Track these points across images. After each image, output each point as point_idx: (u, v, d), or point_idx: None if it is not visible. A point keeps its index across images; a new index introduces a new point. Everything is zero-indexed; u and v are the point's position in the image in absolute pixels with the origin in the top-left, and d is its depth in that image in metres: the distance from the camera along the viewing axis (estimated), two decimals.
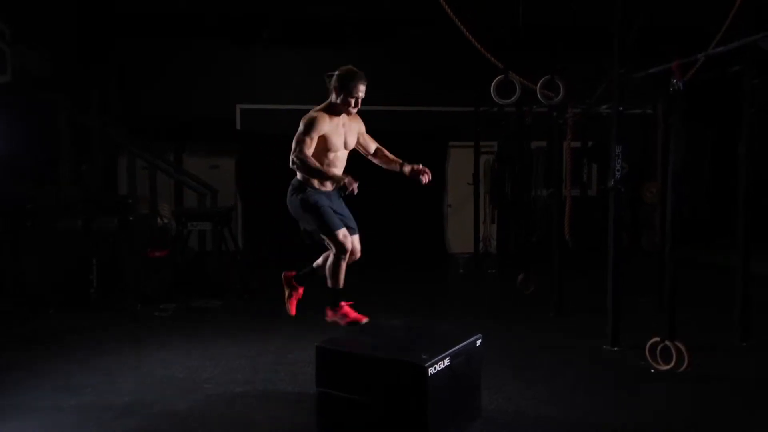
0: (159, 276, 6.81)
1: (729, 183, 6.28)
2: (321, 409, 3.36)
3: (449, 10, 5.75)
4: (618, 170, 4.77)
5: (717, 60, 4.75)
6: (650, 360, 4.33)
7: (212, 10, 9.06)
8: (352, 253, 3.71)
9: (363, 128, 3.75)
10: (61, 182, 7.08)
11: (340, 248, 3.52)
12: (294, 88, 9.92)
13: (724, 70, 5.20)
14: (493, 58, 6.23)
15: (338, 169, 3.62)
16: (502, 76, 6.28)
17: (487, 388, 3.75)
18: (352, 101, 3.49)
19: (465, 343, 3.37)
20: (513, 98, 6.35)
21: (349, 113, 3.57)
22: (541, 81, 6.04)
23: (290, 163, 3.49)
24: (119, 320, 5.82)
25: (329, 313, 3.71)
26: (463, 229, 10.01)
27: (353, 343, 3.44)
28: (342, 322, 3.65)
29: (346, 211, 3.74)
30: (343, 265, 3.60)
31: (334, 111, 3.53)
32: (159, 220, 7.99)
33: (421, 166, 3.66)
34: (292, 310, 3.96)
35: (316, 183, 3.57)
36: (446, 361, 3.15)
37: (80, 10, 8.62)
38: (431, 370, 3.02)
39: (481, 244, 9.13)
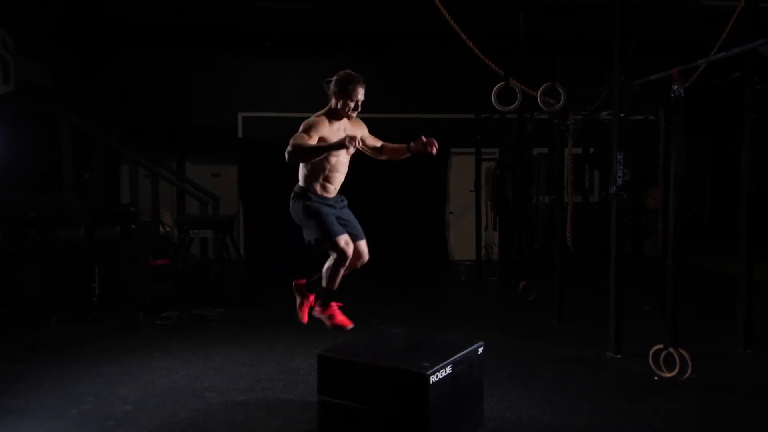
0: (161, 284, 6.81)
1: (731, 188, 6.27)
2: (322, 417, 3.35)
3: (450, 18, 5.77)
4: (620, 176, 4.77)
5: (717, 67, 4.76)
6: (654, 367, 4.31)
7: (213, 21, 9.13)
8: (360, 257, 3.73)
9: (366, 131, 3.70)
10: (63, 191, 7.10)
11: (341, 255, 3.49)
12: (295, 95, 9.96)
13: (725, 77, 5.21)
14: (493, 65, 6.25)
15: (340, 174, 3.61)
16: (503, 83, 6.29)
17: (489, 396, 3.74)
18: (352, 104, 3.47)
19: (467, 350, 3.36)
20: (514, 105, 6.36)
21: (349, 117, 3.55)
22: (542, 88, 6.05)
23: (286, 157, 3.34)
24: (121, 329, 5.81)
25: (317, 308, 3.72)
26: (465, 236, 10.00)
27: (355, 351, 3.43)
28: (328, 322, 3.67)
29: (351, 217, 3.72)
30: (342, 270, 3.56)
31: (334, 116, 3.51)
32: (161, 228, 8.00)
33: (424, 137, 3.53)
34: (305, 318, 3.89)
35: (318, 189, 3.55)
36: (448, 369, 3.14)
37: (82, 22, 8.68)
38: (433, 378, 3.01)
39: (483, 251, 9.11)
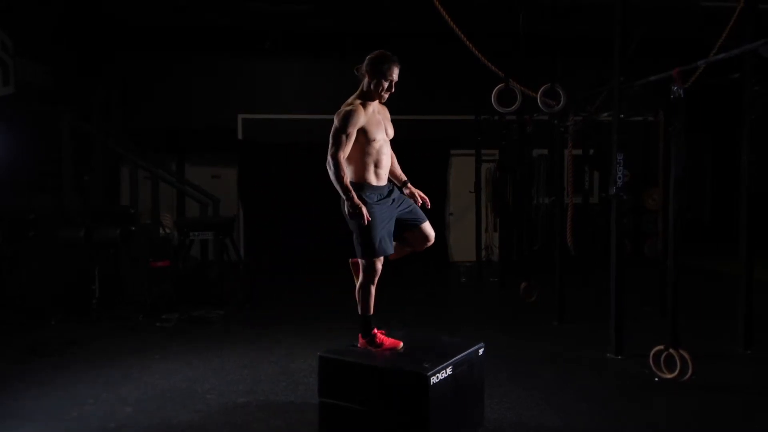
0: (161, 286, 6.81)
1: (731, 188, 6.27)
2: (323, 419, 3.34)
3: (449, 19, 5.77)
4: (620, 177, 4.77)
5: (717, 67, 4.76)
6: (654, 368, 4.31)
7: (213, 21, 9.12)
8: (426, 240, 3.58)
9: (390, 119, 3.51)
10: (63, 192, 7.10)
11: (370, 272, 3.35)
12: (295, 96, 9.97)
13: (724, 77, 5.21)
14: (493, 67, 6.25)
15: (385, 162, 3.40)
16: (502, 84, 6.29)
17: (489, 396, 3.74)
18: (386, 84, 3.31)
19: (467, 352, 3.36)
20: (514, 106, 6.36)
21: (381, 99, 3.38)
22: (541, 89, 6.05)
23: (326, 163, 3.27)
24: (121, 331, 5.81)
25: (361, 341, 3.46)
26: (464, 237, 10.00)
27: (356, 352, 3.43)
28: (375, 350, 3.42)
29: (408, 201, 3.54)
30: (373, 290, 3.40)
31: (367, 99, 3.34)
32: (161, 230, 8.00)
33: (423, 195, 3.58)
34: None
35: (372, 179, 3.33)
36: (449, 370, 3.14)
37: (82, 22, 8.68)
38: (433, 379, 3.01)
39: (483, 253, 9.11)
